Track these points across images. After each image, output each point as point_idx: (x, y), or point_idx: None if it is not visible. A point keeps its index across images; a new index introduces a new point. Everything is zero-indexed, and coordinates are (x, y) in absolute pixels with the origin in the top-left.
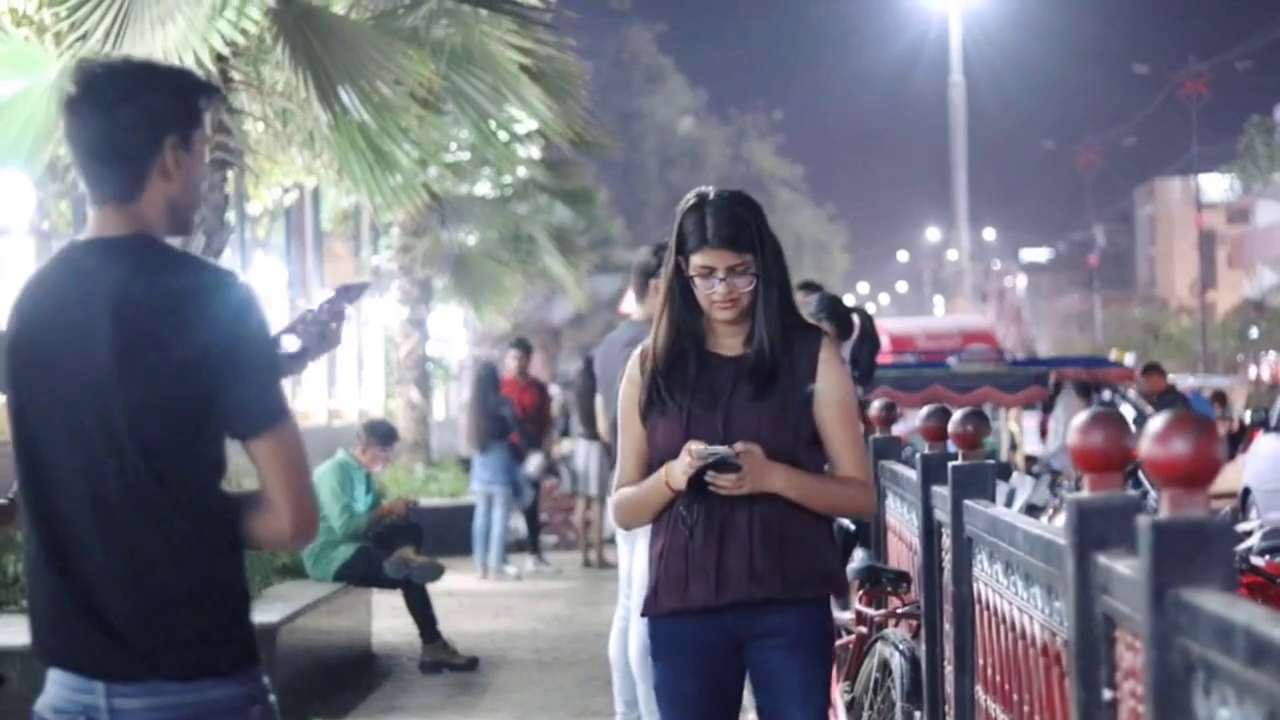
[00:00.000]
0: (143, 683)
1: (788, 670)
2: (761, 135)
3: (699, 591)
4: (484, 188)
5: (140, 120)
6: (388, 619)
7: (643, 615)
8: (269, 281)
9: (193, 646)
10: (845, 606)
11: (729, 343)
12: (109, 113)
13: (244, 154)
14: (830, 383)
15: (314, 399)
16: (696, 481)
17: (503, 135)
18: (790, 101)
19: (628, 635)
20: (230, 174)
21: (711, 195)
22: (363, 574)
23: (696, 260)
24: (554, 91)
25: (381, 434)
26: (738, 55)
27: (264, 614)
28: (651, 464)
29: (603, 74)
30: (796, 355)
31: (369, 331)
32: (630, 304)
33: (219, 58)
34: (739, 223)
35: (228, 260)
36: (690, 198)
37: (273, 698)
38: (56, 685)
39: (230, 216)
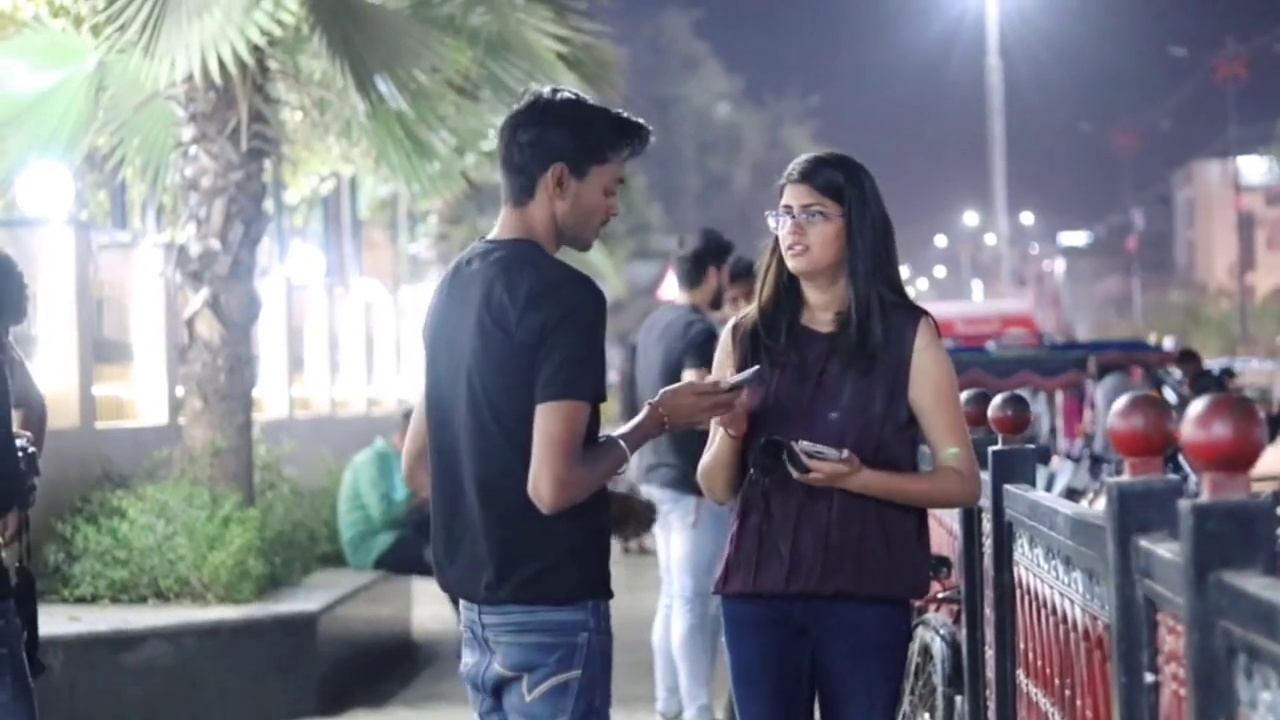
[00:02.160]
0: (497, 606)
1: (853, 681)
2: (798, 120)
3: (769, 576)
4: None
5: (534, 142)
6: (428, 606)
7: (714, 594)
8: (307, 270)
9: (530, 580)
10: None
11: (822, 316)
12: (513, 131)
13: (281, 143)
14: (929, 368)
15: (352, 388)
16: (761, 460)
17: None
18: (826, 86)
19: (670, 623)
20: (268, 163)
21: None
22: (403, 562)
23: (781, 203)
24: (590, 78)
25: None
26: (773, 41)
27: (304, 602)
28: (743, 448)
29: (639, 60)
30: (893, 335)
31: (406, 320)
32: (670, 290)
33: (255, 48)
34: (821, 163)
35: (265, 249)
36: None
37: (607, 633)
38: (462, 604)
39: (268, 205)
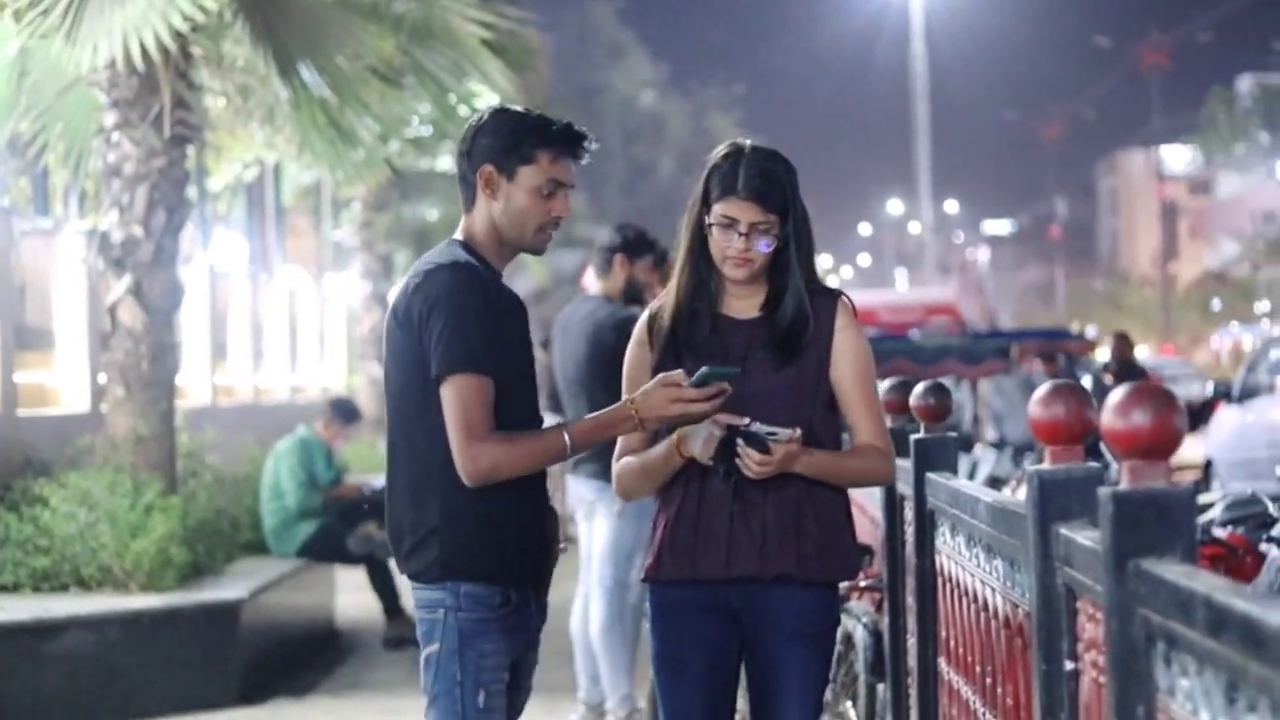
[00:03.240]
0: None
1: (785, 665)
2: (723, 109)
3: (708, 563)
4: (445, 162)
5: (468, 152)
6: (351, 595)
7: (643, 580)
8: (230, 257)
9: (405, 557)
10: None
11: (741, 304)
12: (459, 146)
13: (204, 129)
14: (848, 348)
15: (276, 375)
16: (723, 453)
17: (464, 110)
18: (752, 75)
19: (589, 612)
20: (191, 149)
21: (748, 147)
22: (326, 550)
23: (719, 209)
24: (515, 66)
25: (346, 412)
26: (699, 29)
27: (227, 591)
28: (658, 432)
29: (563, 48)
30: (814, 319)
31: (330, 307)
32: (591, 279)
33: (178, 34)
34: (771, 179)
35: (188, 236)
36: (724, 148)
37: (475, 613)
38: None
39: (191, 192)
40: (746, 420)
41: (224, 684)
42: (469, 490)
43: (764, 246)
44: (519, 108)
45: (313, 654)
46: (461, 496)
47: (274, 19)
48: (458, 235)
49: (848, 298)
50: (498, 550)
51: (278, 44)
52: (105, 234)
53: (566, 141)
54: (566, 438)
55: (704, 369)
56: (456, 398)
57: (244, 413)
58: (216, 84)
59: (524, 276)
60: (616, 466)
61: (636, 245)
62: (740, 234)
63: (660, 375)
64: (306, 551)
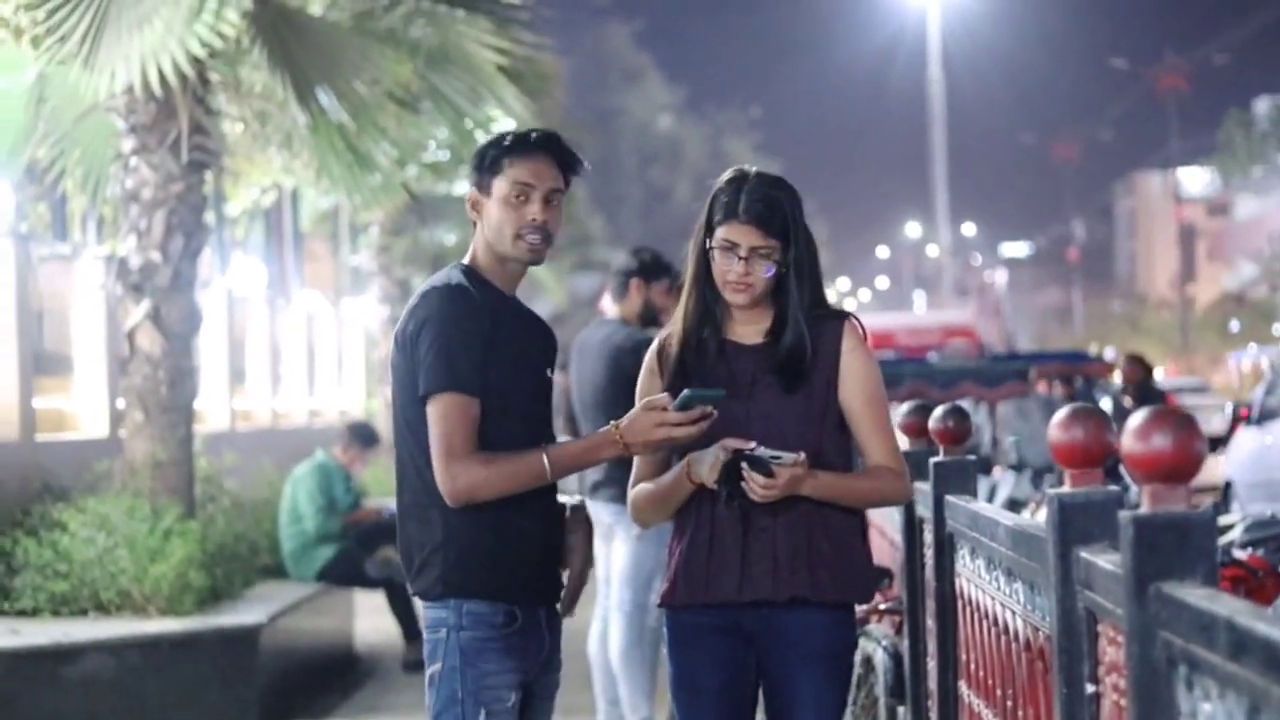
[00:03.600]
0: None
1: (803, 689)
2: (740, 132)
3: (722, 587)
4: (462, 187)
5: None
6: (370, 619)
7: (660, 606)
8: (248, 282)
9: (415, 578)
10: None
11: (746, 330)
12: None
13: (222, 155)
14: (856, 370)
15: (294, 399)
16: (727, 476)
17: (480, 135)
18: (769, 98)
19: (607, 635)
20: (209, 175)
21: (751, 173)
22: (345, 574)
23: (721, 234)
24: (531, 90)
25: (364, 436)
26: (716, 52)
27: (245, 615)
28: (668, 463)
29: (580, 72)
30: (821, 341)
31: (349, 331)
32: (608, 303)
33: (196, 60)
34: (772, 204)
35: (206, 261)
36: (729, 173)
37: (477, 632)
38: None
39: (209, 217)
40: (752, 444)
41: (243, 708)
42: (473, 508)
43: (765, 272)
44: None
45: (332, 678)
46: (467, 514)
47: (292, 44)
48: (465, 260)
49: (857, 319)
50: (501, 568)
51: (295, 69)
52: (123, 259)
53: (529, 145)
54: (546, 461)
55: (686, 392)
56: (438, 417)
57: (262, 437)
58: (234, 109)
59: (542, 299)
60: (631, 494)
61: (652, 268)
62: (740, 258)
63: (643, 400)
64: (325, 576)
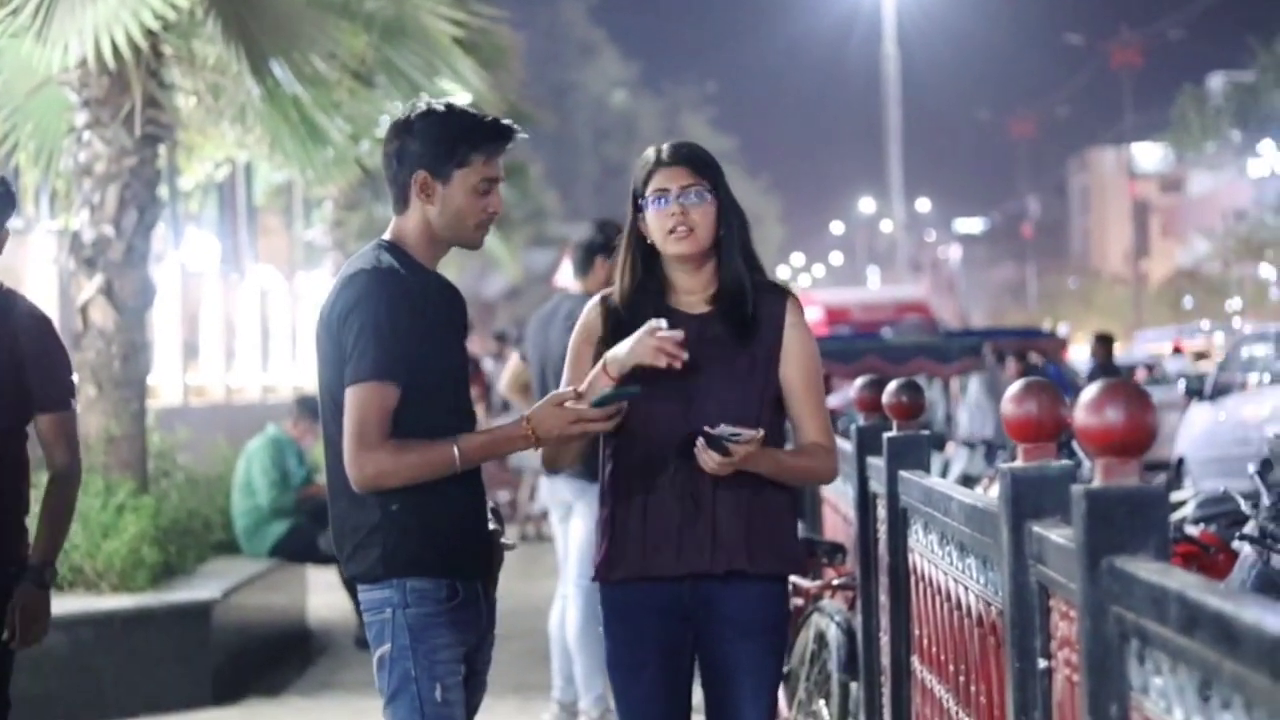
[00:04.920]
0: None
1: (740, 663)
2: (695, 107)
3: (659, 560)
4: None
5: (397, 154)
6: (324, 595)
7: (593, 580)
8: (202, 256)
9: (349, 559)
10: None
11: (690, 299)
12: (384, 146)
13: (175, 128)
14: (798, 346)
15: (248, 374)
16: (682, 449)
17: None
18: (724, 74)
19: (565, 612)
20: (162, 149)
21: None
22: (298, 550)
23: (651, 187)
24: (487, 64)
25: (314, 409)
26: (671, 28)
27: (199, 591)
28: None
29: (535, 47)
30: (762, 316)
31: (303, 306)
32: (566, 277)
33: (149, 33)
34: (693, 148)
35: (159, 235)
36: (645, 152)
37: (423, 608)
38: None
39: (162, 191)
40: (721, 427)
41: (197, 684)
42: (406, 488)
43: (703, 209)
44: (443, 106)
45: (285, 654)
46: (400, 494)
47: (246, 16)
48: (386, 236)
49: (795, 295)
50: (441, 544)
51: (250, 41)
52: (76, 233)
53: (498, 140)
54: (456, 452)
55: (604, 391)
56: (354, 405)
57: (216, 412)
58: (188, 83)
59: (497, 275)
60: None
61: (612, 243)
62: (675, 199)
63: (552, 394)
64: (278, 551)
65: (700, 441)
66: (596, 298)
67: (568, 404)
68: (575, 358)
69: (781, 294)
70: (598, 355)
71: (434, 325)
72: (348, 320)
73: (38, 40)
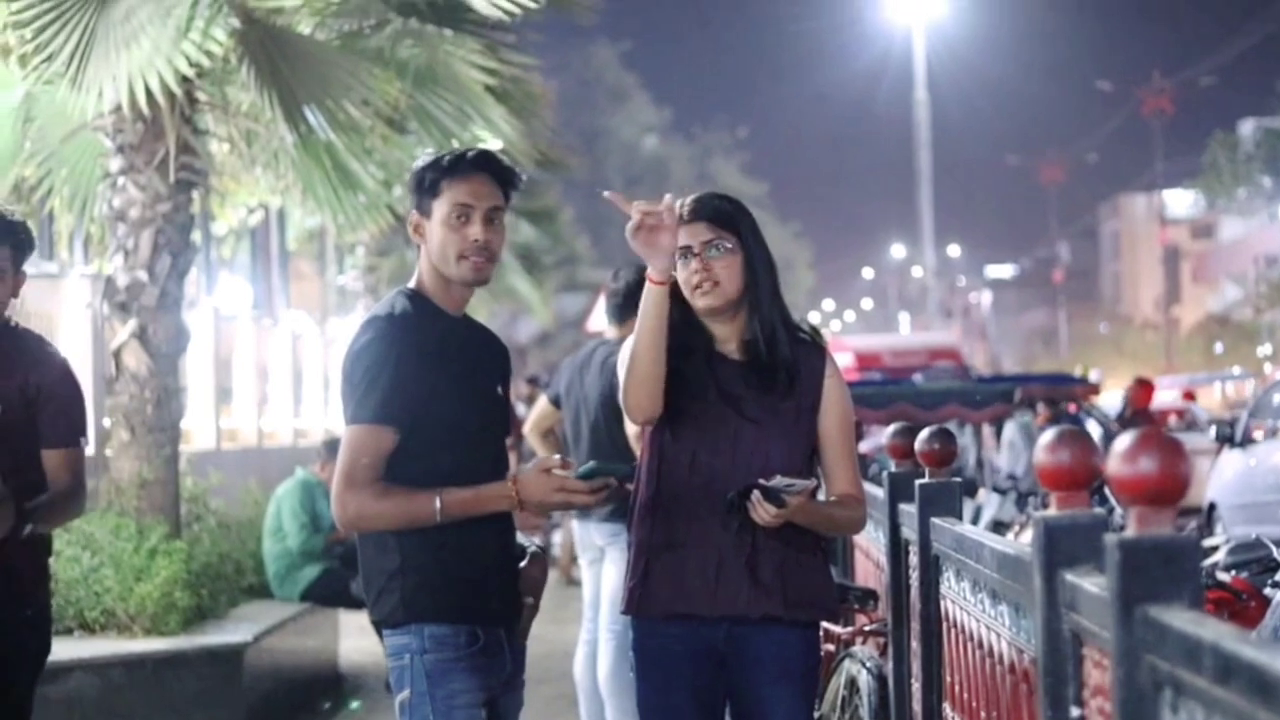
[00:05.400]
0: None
1: (772, 708)
2: (726, 153)
3: (695, 600)
4: None
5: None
6: (355, 639)
7: (625, 613)
8: (234, 301)
9: (373, 605)
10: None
11: (726, 347)
12: None
13: (209, 174)
14: (836, 398)
15: (280, 419)
16: (737, 503)
17: None
18: (755, 119)
19: (593, 656)
20: (196, 194)
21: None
22: (329, 594)
23: (679, 244)
24: (518, 111)
25: None
26: (702, 73)
27: (231, 634)
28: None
29: (567, 93)
30: (803, 366)
31: (335, 351)
32: (599, 322)
33: (183, 79)
34: (715, 203)
35: (192, 280)
36: None
37: (441, 654)
38: None
39: (196, 236)
40: (776, 479)
41: None
42: (428, 533)
43: (725, 264)
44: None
45: (317, 698)
46: (423, 538)
47: (279, 63)
48: (410, 283)
49: (827, 349)
50: (461, 590)
51: (283, 87)
52: (110, 278)
53: (465, 167)
54: (438, 504)
55: (591, 464)
56: (346, 445)
57: (248, 457)
58: (222, 129)
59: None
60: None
61: None
62: (695, 255)
63: (539, 460)
64: (310, 595)
65: (756, 495)
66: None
67: (555, 472)
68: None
69: (818, 346)
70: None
71: (453, 368)
72: (356, 364)
73: (72, 86)
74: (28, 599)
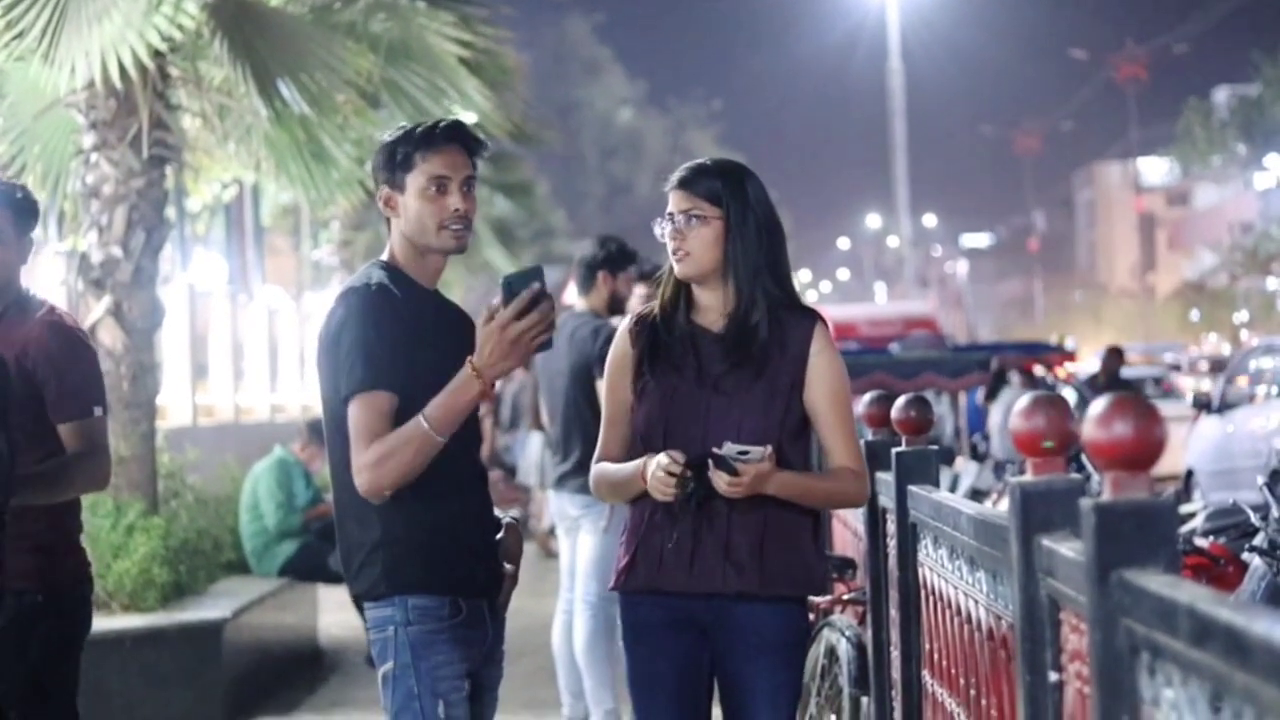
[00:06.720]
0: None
1: (756, 679)
2: (701, 125)
3: (673, 574)
4: None
5: (374, 180)
6: (334, 614)
7: (612, 589)
8: (209, 277)
9: (353, 578)
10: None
11: (711, 318)
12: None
13: (183, 150)
14: (825, 370)
15: (257, 394)
16: (687, 482)
17: None
18: (730, 91)
19: (571, 627)
20: (169, 170)
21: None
22: (308, 569)
23: (666, 211)
24: (492, 84)
25: (322, 433)
26: (676, 45)
27: (209, 610)
28: (633, 440)
29: (541, 66)
30: (788, 338)
31: (311, 326)
32: (572, 295)
33: (156, 53)
34: (700, 170)
35: (167, 256)
36: None
37: (425, 625)
38: None
39: (170, 212)
40: (726, 446)
41: (207, 704)
42: (409, 504)
43: (699, 235)
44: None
45: (296, 673)
46: (402, 511)
47: (252, 37)
48: (383, 256)
49: (824, 320)
50: (443, 561)
51: (256, 62)
52: (84, 255)
53: (438, 138)
54: (425, 422)
55: (503, 279)
56: (352, 416)
57: (225, 432)
58: (195, 105)
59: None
60: (594, 470)
61: (619, 258)
62: (672, 224)
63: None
64: (289, 570)
65: (711, 464)
66: (628, 320)
67: (488, 322)
68: (612, 389)
69: (810, 316)
70: (636, 373)
71: (429, 340)
72: (340, 337)
73: (44, 62)
74: (39, 581)
